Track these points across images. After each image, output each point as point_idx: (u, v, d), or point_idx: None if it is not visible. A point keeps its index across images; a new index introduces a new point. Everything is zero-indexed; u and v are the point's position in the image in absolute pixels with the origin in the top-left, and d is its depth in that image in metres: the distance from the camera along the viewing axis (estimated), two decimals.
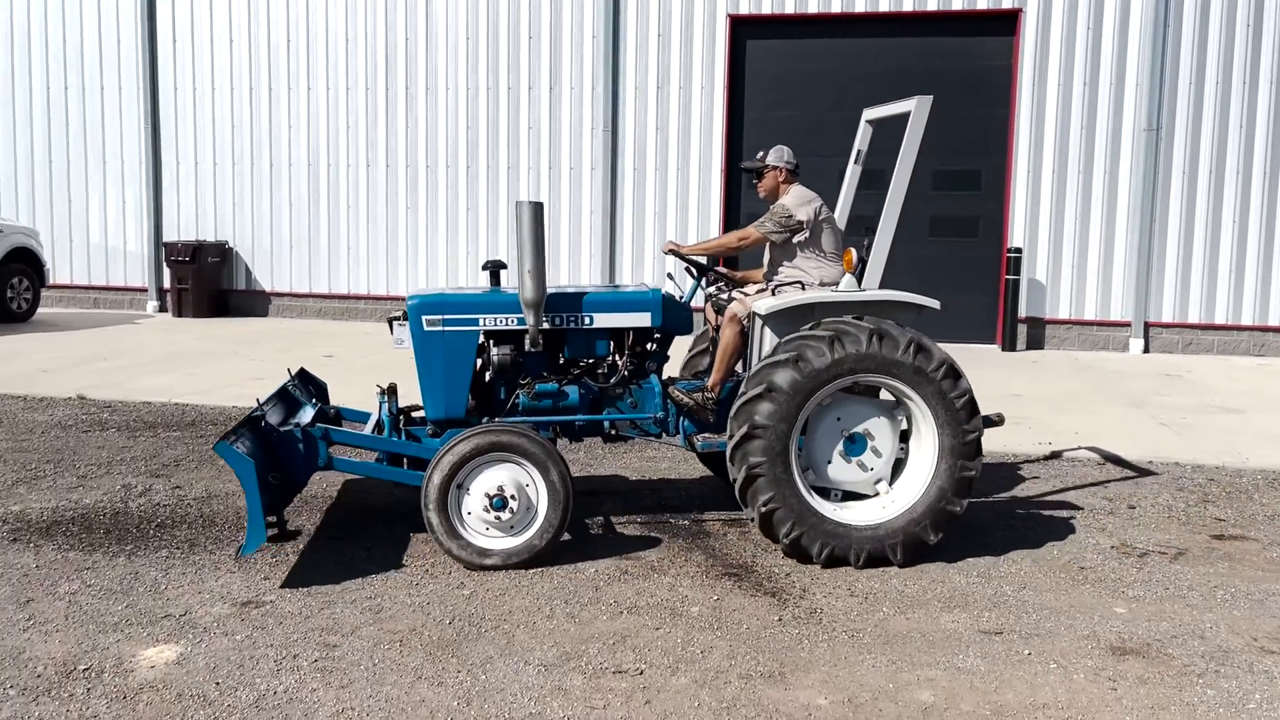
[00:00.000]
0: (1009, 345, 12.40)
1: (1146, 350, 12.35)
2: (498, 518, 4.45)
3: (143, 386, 8.70)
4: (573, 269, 13.70)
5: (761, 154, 5.53)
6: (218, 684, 3.39)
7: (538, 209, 4.65)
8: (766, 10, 13.03)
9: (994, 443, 7.18)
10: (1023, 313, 12.57)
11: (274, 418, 4.93)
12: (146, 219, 14.70)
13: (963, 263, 13.02)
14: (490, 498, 4.43)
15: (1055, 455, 6.92)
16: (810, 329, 4.61)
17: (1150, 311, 12.36)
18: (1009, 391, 9.37)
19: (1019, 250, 12.40)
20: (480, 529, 4.50)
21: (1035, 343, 12.70)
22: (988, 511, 5.60)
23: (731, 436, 4.56)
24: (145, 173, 14.64)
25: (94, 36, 14.66)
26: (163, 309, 14.69)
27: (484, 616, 4.00)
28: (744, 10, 13.04)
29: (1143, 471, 6.54)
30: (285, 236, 14.44)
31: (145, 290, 14.86)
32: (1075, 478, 6.38)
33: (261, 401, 4.93)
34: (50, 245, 14.73)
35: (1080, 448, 7.09)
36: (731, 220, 13.46)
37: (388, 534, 4.99)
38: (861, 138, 5.81)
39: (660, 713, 3.27)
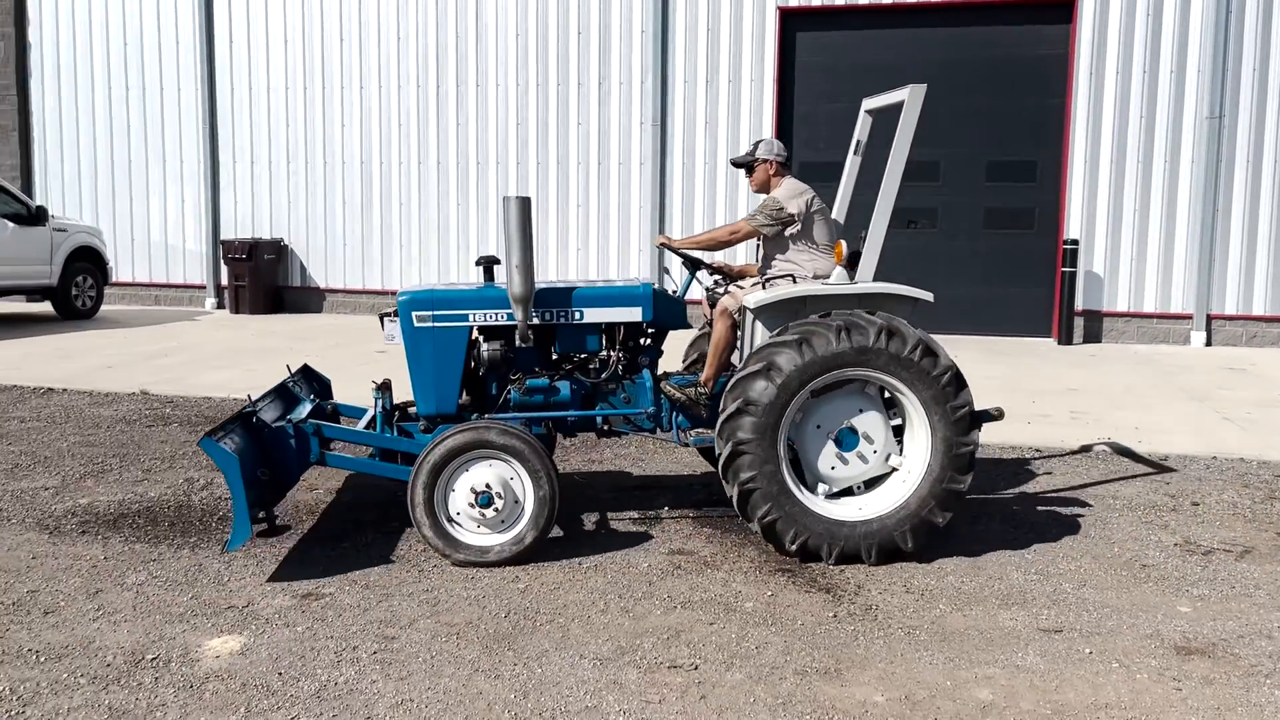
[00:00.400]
0: (1065, 339, 12.19)
1: (1209, 344, 12.07)
2: (483, 514, 4.45)
3: (203, 382, 8.87)
4: (621, 265, 13.73)
5: (751, 147, 5.47)
6: (280, 674, 3.46)
7: (525, 204, 4.64)
8: (817, 2, 12.93)
9: (1052, 437, 7.08)
10: (1079, 305, 12.35)
11: (271, 414, 4.97)
12: (205, 218, 14.98)
13: (1018, 255, 12.83)
14: (475, 495, 4.44)
15: (1114, 450, 6.79)
16: (779, 334, 4.57)
17: (1213, 304, 12.08)
18: (1066, 386, 9.21)
19: (1076, 242, 12.18)
20: (467, 526, 4.50)
21: (1092, 336, 12.48)
22: (1045, 508, 5.52)
23: (720, 454, 4.52)
24: (203, 172, 14.92)
25: (154, 39, 14.97)
26: (220, 306, 14.98)
27: (539, 610, 4.03)
28: (794, 2, 12.95)
29: (1206, 467, 6.40)
30: (339, 234, 14.64)
31: (204, 287, 15.16)
32: (1135, 473, 6.26)
33: (254, 398, 4.95)
34: (113, 244, 15.09)
35: (1140, 443, 6.95)
36: None
37: None
38: (861, 128, 5.74)
39: (716, 708, 3.27)
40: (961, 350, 11.52)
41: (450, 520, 4.49)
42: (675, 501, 5.57)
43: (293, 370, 5.77)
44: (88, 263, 13.75)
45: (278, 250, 14.62)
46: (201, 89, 14.78)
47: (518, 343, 4.93)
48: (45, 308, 14.19)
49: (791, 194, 5.25)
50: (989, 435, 7.18)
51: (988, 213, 12.94)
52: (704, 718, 3.21)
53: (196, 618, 3.92)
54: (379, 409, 5.10)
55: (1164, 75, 12.03)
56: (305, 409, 5.15)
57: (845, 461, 4.66)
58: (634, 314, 5.03)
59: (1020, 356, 11.11)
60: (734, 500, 4.53)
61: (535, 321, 4.94)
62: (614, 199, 13.72)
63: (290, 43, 14.54)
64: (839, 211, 5.80)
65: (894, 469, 4.66)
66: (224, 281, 14.79)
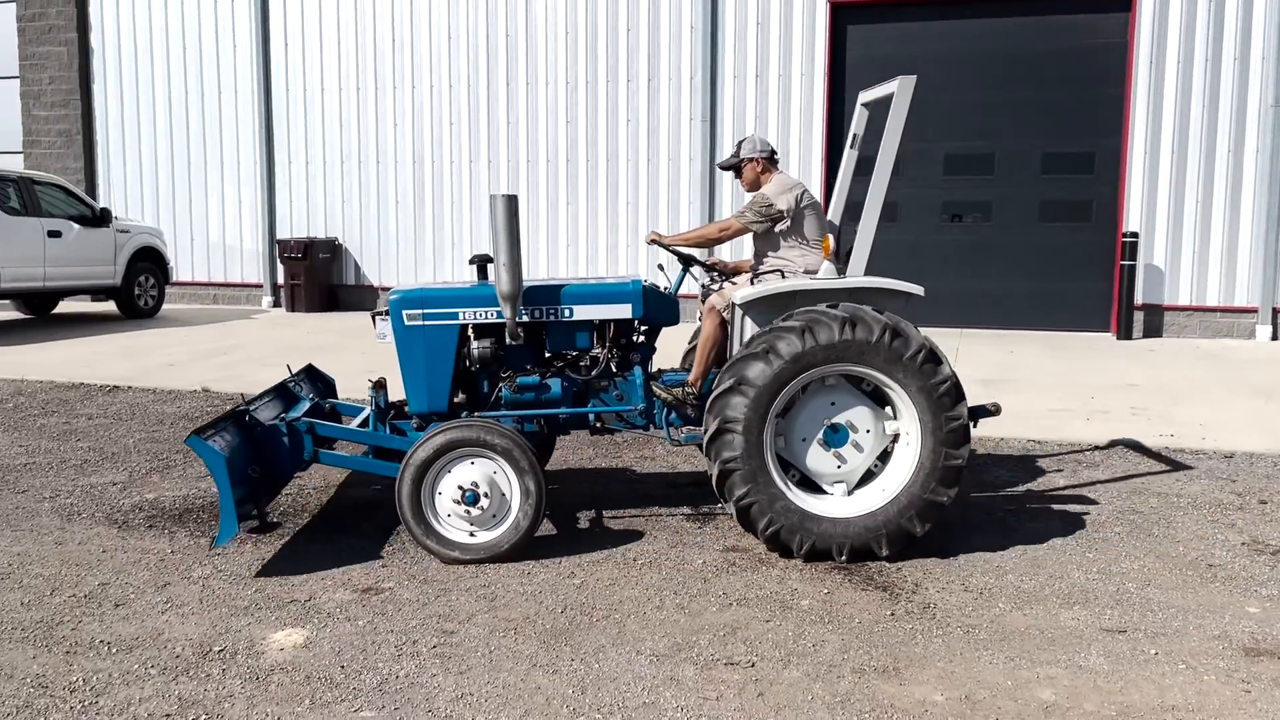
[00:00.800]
0: (1124, 333, 11.96)
1: (1275, 337, 11.77)
2: (468, 512, 4.47)
3: (261, 379, 9.02)
4: (672, 261, 13.70)
5: (735, 148, 5.42)
6: (343, 667, 3.52)
7: (512, 202, 4.64)
8: None
9: (1112, 434, 6.96)
10: (1139, 299, 12.11)
11: (270, 412, 5.03)
12: (261, 217, 15.24)
13: (1075, 248, 12.61)
14: (462, 493, 4.46)
15: (1177, 448, 6.65)
16: (783, 319, 4.51)
17: (1279, 297, 11.78)
18: (1125, 381, 9.04)
19: (1135, 234, 11.94)
20: (454, 524, 4.52)
21: (1153, 330, 12.23)
22: (1104, 505, 5.43)
23: (706, 430, 4.50)
24: (260, 173, 15.18)
25: (211, 44, 15.26)
26: (276, 304, 15.23)
27: (595, 606, 4.05)
28: None
29: (1274, 465, 6.24)
30: (392, 232, 14.81)
31: (260, 286, 15.42)
32: (1200, 471, 6.13)
33: (248, 399, 5.01)
34: (173, 244, 15.41)
35: (1204, 440, 6.80)
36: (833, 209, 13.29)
37: None
38: (857, 121, 5.65)
39: (774, 705, 3.26)
40: (1017, 345, 11.35)
41: (438, 518, 4.52)
42: None
43: (293, 370, 5.84)
44: (149, 263, 14.06)
45: (332, 249, 14.83)
46: (257, 91, 15.03)
47: (508, 340, 4.95)
48: (109, 307, 14.54)
49: (780, 190, 5.19)
50: (1047, 432, 7.07)
51: (1043, 205, 12.74)
52: (762, 715, 3.21)
53: (260, 611, 3.99)
54: (374, 407, 5.15)
55: (1227, 62, 11.74)
56: (304, 408, 5.21)
57: (840, 458, 4.59)
58: (623, 311, 5.02)
59: (1077, 351, 10.92)
60: (713, 479, 4.51)
61: (525, 319, 4.95)
62: (663, 195, 13.72)
63: (343, 44, 14.73)
64: (836, 206, 5.73)
65: (843, 481, 4.62)
66: (280, 280, 15.04)
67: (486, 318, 4.95)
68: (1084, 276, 12.55)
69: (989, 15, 12.62)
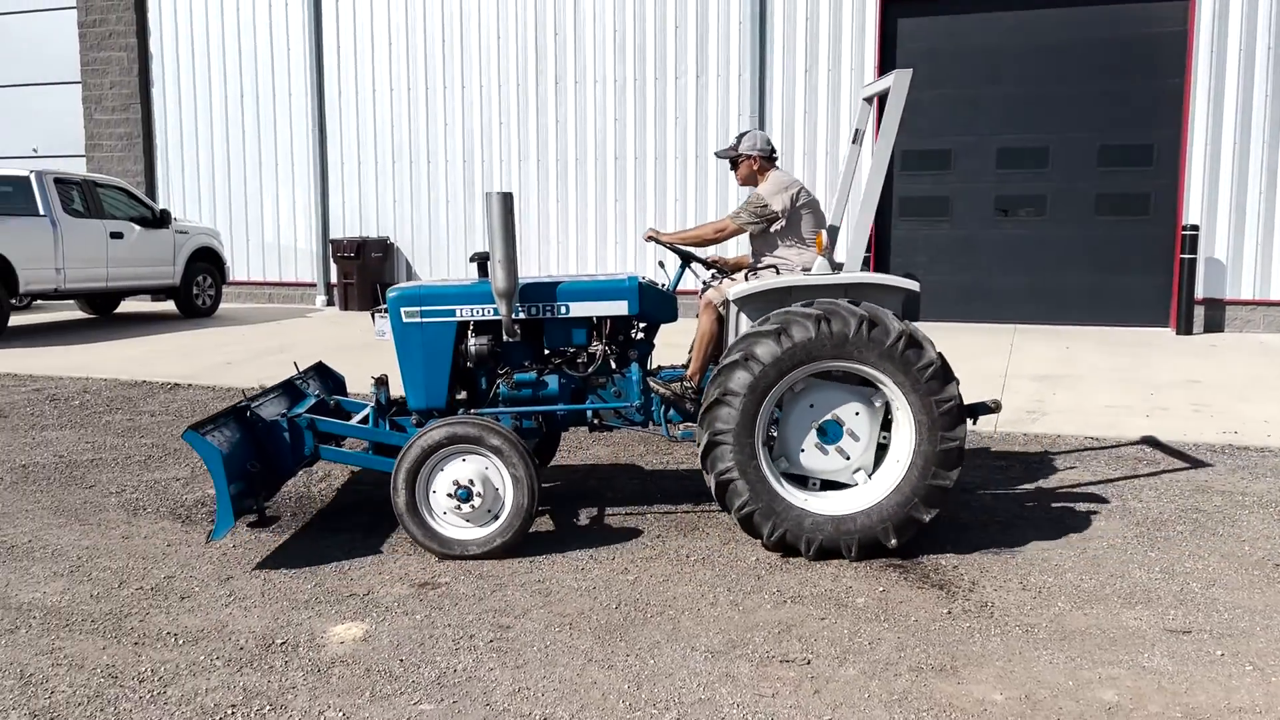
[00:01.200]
0: (1184, 328, 11.72)
1: None
2: (459, 508, 4.50)
3: None
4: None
5: (735, 140, 5.38)
6: (401, 660, 3.57)
7: (507, 199, 4.65)
8: None
9: (1172, 431, 6.83)
10: (1200, 294, 11.86)
11: (275, 409, 5.09)
12: (315, 217, 15.47)
13: (1132, 242, 12.39)
14: (455, 489, 4.48)
15: (1241, 445, 6.51)
16: (759, 323, 4.48)
17: None
18: (1186, 377, 8.86)
19: (1195, 227, 11.69)
20: (449, 520, 4.55)
21: (1214, 325, 11.97)
22: (1166, 503, 5.33)
23: (705, 399, 4.49)
24: (313, 173, 15.41)
25: (266, 47, 15.51)
26: (330, 303, 15.45)
27: (649, 602, 4.07)
28: None
29: None
30: (442, 231, 14.96)
31: (314, 285, 15.66)
32: (1265, 469, 5.99)
33: (250, 395, 5.05)
34: (230, 244, 15.71)
35: (1270, 437, 6.64)
36: (883, 205, 13.18)
37: (554, 519, 5.13)
38: (860, 117, 5.56)
39: (830, 703, 3.25)
40: (1072, 341, 11.17)
41: (432, 514, 4.56)
42: None
43: (300, 368, 5.90)
44: (207, 263, 14.35)
45: (384, 248, 15.01)
46: (311, 93, 15.25)
47: (505, 337, 4.98)
48: (168, 306, 14.87)
49: (776, 189, 5.16)
50: (1105, 429, 6.96)
51: (1099, 199, 12.52)
52: (818, 712, 3.20)
53: (320, 604, 4.06)
54: (375, 403, 5.20)
55: None
56: (308, 404, 5.27)
57: (826, 454, 4.56)
58: (620, 308, 5.02)
59: (1136, 347, 10.72)
60: (712, 490, 4.50)
61: (521, 316, 4.97)
62: (712, 192, 13.69)
63: (394, 46, 14.90)
64: (839, 202, 5.66)
65: (855, 483, 4.56)
66: (333, 279, 15.26)
67: (483, 315, 4.98)
68: (1142, 271, 12.32)
69: (1043, 5, 12.43)
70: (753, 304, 4.73)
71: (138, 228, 13.16)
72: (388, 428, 5.15)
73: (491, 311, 4.96)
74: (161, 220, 13.51)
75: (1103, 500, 5.43)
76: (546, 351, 5.21)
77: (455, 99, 14.69)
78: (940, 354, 4.41)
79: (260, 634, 3.78)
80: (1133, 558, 4.54)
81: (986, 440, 6.80)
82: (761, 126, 13.36)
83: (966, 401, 4.94)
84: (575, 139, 14.19)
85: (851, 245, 4.84)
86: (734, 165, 5.40)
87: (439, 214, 14.96)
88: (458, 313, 4.98)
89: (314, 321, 13.57)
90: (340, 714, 3.19)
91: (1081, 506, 5.32)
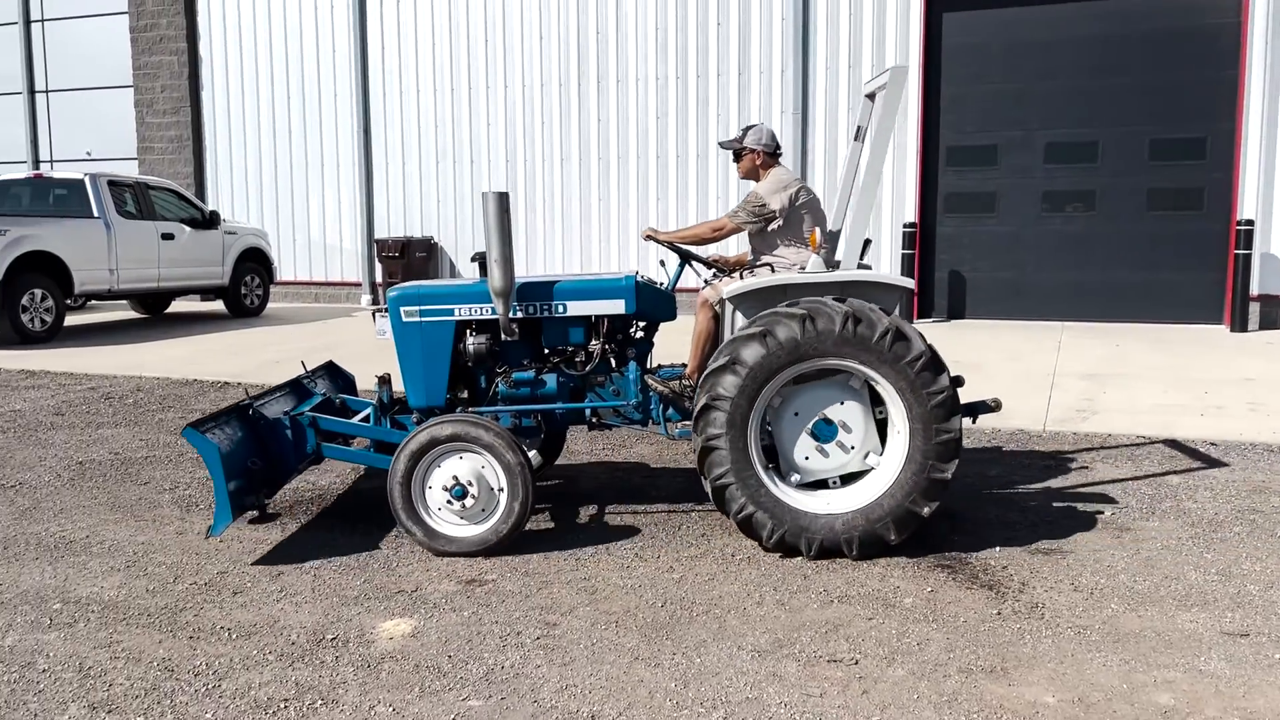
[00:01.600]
0: (1239, 325, 11.48)
1: None
2: (453, 505, 4.53)
3: (359, 374, 9.26)
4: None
5: (740, 133, 5.31)
6: (450, 657, 3.59)
7: (503, 198, 4.65)
8: None
9: (1227, 430, 6.69)
10: (1255, 290, 11.61)
11: (281, 407, 5.15)
12: (360, 217, 15.65)
13: (1185, 237, 12.17)
14: (449, 487, 4.51)
15: None
16: (745, 327, 4.45)
17: None
18: (1241, 375, 8.68)
19: (1250, 222, 11.45)
20: (444, 517, 4.58)
21: (1270, 322, 11.72)
22: (1221, 504, 5.23)
23: (695, 404, 4.48)
24: (358, 174, 15.59)
25: (312, 50, 15.72)
26: (375, 302, 15.62)
27: (695, 601, 4.06)
28: None
29: None
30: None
31: (359, 285, 15.84)
32: None
33: (252, 394, 5.11)
34: (277, 244, 15.94)
35: None
36: (928, 202, 13.06)
37: (598, 517, 5.14)
38: (863, 114, 5.47)
39: (879, 703, 3.23)
40: (1122, 339, 10.99)
41: (428, 511, 4.59)
42: None
43: (308, 368, 5.96)
44: (255, 263, 14.57)
45: (428, 248, 15.14)
46: (356, 94, 15.43)
47: (502, 336, 4.99)
48: (217, 306, 15.12)
49: (775, 188, 5.10)
50: (1157, 428, 6.84)
51: (1151, 194, 12.31)
52: (867, 713, 3.18)
53: (370, 600, 4.11)
54: (378, 402, 5.24)
55: None
56: (314, 403, 5.33)
57: (825, 454, 4.54)
58: (617, 306, 5.01)
59: (1188, 345, 10.52)
60: (710, 495, 4.51)
61: (519, 315, 4.99)
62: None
63: (438, 46, 15.02)
64: (840, 201, 5.60)
65: (871, 467, 4.53)
66: (378, 278, 15.42)
67: (481, 314, 5.01)
68: (1194, 267, 12.09)
69: None
70: (747, 302, 4.72)
71: (188, 229, 13.39)
72: (389, 426, 5.20)
73: (489, 311, 4.99)
74: (210, 221, 13.73)
75: (1156, 500, 5.34)
76: (546, 350, 5.24)
77: (498, 98, 14.77)
78: (930, 346, 4.36)
79: (311, 629, 3.83)
80: (1188, 559, 4.45)
81: (1035, 439, 6.71)
82: (804, 124, 13.30)
83: (967, 400, 4.96)
84: (617, 138, 14.22)
85: (848, 243, 4.80)
86: (737, 157, 5.35)
87: (481, 213, 15.05)
88: (456, 312, 5.03)
89: (359, 321, 13.72)
90: (390, 709, 3.23)
91: (1134, 507, 5.24)
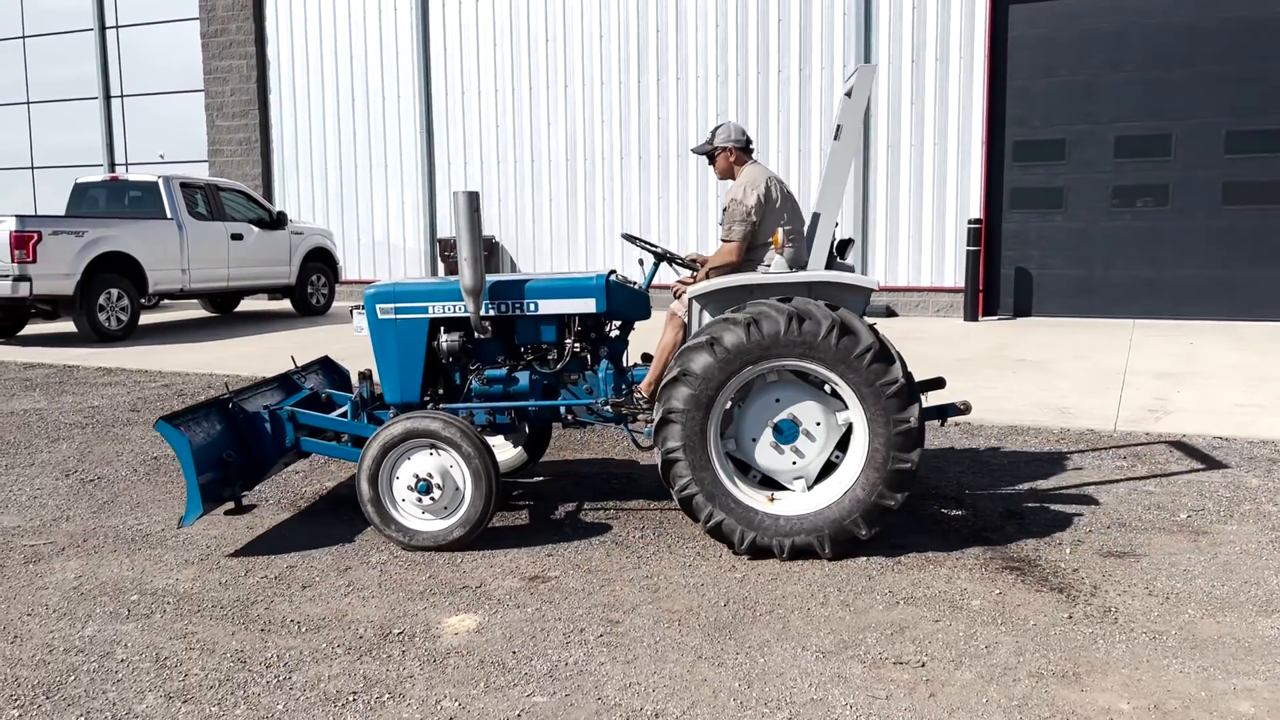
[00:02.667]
0: None
1: None
2: (419, 500, 4.58)
3: None
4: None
5: (709, 134, 5.24)
6: (514, 653, 3.62)
7: (473, 198, 4.66)
8: None
9: None
10: None
11: (265, 400, 5.21)
12: (423, 217, 15.85)
13: (1263, 232, 11.81)
14: (415, 482, 4.56)
15: None
16: (694, 337, 4.42)
17: None
18: None
19: None
20: (410, 511, 4.64)
21: None
22: None
23: (653, 419, 4.47)
24: (421, 174, 15.78)
25: (376, 52, 15.95)
26: None
27: (758, 600, 4.04)
28: None
29: None
30: (545, 228, 15.14)
31: None
32: None
33: (233, 388, 5.17)
34: (341, 244, 16.20)
35: None
36: (994, 198, 12.84)
37: (659, 515, 5.14)
38: (840, 112, 5.33)
39: (947, 707, 3.18)
40: (1196, 337, 10.70)
41: (395, 505, 4.65)
42: None
43: (298, 363, 6.01)
44: (321, 263, 14.83)
45: (489, 246, 15.27)
46: (418, 96, 15.62)
47: (475, 334, 5.02)
48: (284, 305, 15.41)
49: (747, 184, 4.99)
50: (1234, 428, 6.65)
51: (1227, 187, 11.97)
52: (935, 716, 3.13)
53: (435, 596, 4.15)
54: (357, 397, 5.30)
55: None
56: (300, 397, 5.38)
57: (783, 453, 4.51)
58: (587, 305, 5.02)
59: (1266, 343, 10.20)
60: (679, 505, 4.50)
61: (491, 313, 5.01)
62: (815, 187, 13.53)
63: (498, 47, 15.14)
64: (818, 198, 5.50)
65: (833, 463, 4.51)
66: (441, 277, 15.58)
67: (455, 312, 5.05)
68: (1273, 263, 11.72)
69: None
70: (713, 302, 4.70)
71: (256, 229, 13.67)
72: (366, 421, 5.26)
73: (462, 309, 5.03)
74: (278, 222, 14.01)
75: (1234, 503, 5.19)
76: (520, 348, 5.26)
77: (558, 97, 14.85)
78: (880, 338, 4.30)
79: (378, 623, 3.89)
80: (1268, 564, 4.32)
81: (1106, 439, 6.56)
82: (867, 118, 13.16)
83: (939, 403, 4.98)
84: (676, 135, 14.20)
85: (816, 242, 4.73)
86: (711, 160, 5.30)
87: (542, 212, 15.15)
88: (430, 310, 5.08)
89: None
90: (456, 704, 3.26)
91: (1211, 509, 5.09)
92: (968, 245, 12.56)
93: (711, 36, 13.89)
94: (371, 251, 16.45)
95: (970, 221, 12.56)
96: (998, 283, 13.02)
